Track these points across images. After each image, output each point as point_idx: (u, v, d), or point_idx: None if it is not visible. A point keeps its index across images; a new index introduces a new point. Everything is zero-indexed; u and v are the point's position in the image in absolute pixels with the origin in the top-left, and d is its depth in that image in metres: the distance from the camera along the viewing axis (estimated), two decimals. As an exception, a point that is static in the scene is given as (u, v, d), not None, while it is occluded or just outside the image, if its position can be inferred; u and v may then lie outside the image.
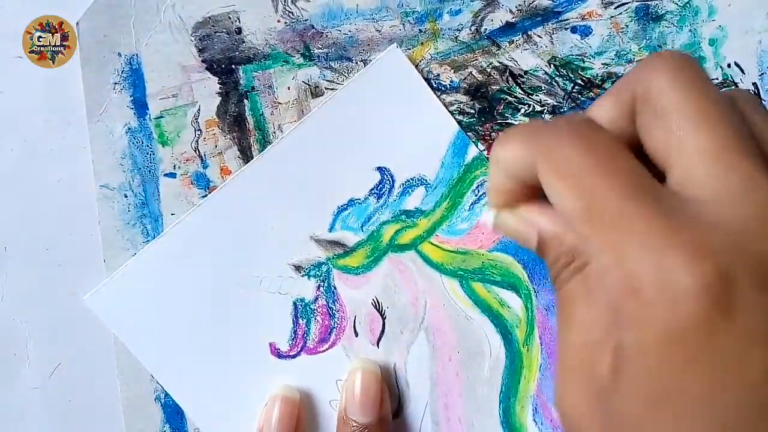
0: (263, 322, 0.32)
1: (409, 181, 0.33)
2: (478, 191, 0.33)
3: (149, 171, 0.33)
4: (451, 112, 0.33)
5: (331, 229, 0.33)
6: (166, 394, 0.33)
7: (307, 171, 0.32)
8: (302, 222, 0.32)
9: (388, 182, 0.33)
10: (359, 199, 0.33)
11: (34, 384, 0.33)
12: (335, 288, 0.33)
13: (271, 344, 0.33)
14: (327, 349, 0.33)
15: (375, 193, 0.33)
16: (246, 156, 0.33)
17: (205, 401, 0.32)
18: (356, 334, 0.33)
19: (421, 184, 0.33)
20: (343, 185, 0.32)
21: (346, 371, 0.32)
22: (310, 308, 0.33)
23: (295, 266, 0.33)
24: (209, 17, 0.33)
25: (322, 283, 0.33)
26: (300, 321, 0.33)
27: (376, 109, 0.32)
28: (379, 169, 0.33)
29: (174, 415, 0.33)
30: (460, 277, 0.33)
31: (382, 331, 0.33)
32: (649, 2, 0.33)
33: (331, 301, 0.33)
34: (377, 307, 0.33)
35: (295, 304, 0.33)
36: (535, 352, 0.33)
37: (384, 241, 0.33)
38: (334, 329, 0.33)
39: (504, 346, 0.33)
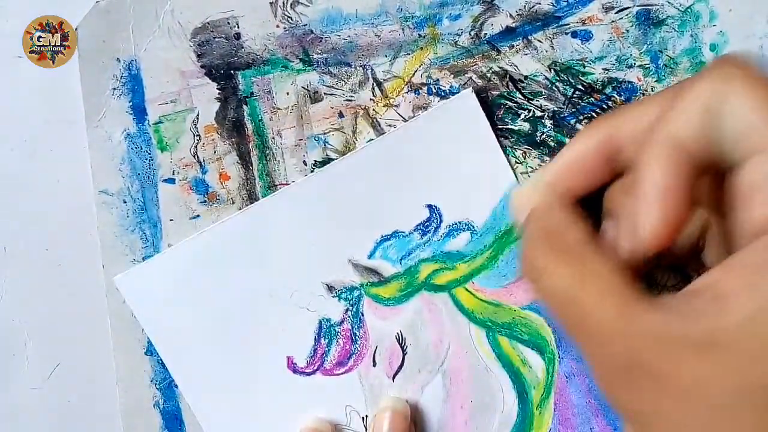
0: (286, 334, 0.32)
1: (456, 224, 0.32)
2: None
3: (148, 177, 0.32)
4: (451, 118, 0.33)
5: (370, 256, 0.32)
6: (165, 400, 0.32)
7: (358, 194, 0.32)
8: (343, 244, 0.32)
9: (435, 221, 0.32)
10: (404, 233, 0.32)
11: (33, 384, 0.33)
12: (363, 315, 0.33)
13: (288, 358, 0.32)
14: (343, 374, 0.33)
15: (420, 229, 0.32)
16: (245, 161, 0.33)
17: (212, 400, 0.32)
18: (374, 364, 0.33)
19: (468, 229, 0.32)
20: (390, 215, 0.32)
21: (375, 405, 0.32)
22: (334, 330, 0.33)
23: (328, 285, 0.32)
24: (208, 22, 0.32)
25: (350, 308, 0.33)
26: (322, 340, 0.32)
27: (438, 148, 0.32)
28: (429, 206, 0.32)
29: (173, 421, 0.33)
30: (488, 328, 0.32)
31: (401, 366, 0.32)
32: (649, 7, 0.33)
33: (356, 327, 0.33)
34: (400, 341, 0.33)
35: (320, 322, 0.32)
36: (547, 417, 0.32)
37: (420, 278, 0.32)
38: (354, 355, 0.33)
39: (518, 404, 0.32)
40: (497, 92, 0.33)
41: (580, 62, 0.33)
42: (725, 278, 0.20)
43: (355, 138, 0.33)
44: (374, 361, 0.33)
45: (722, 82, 0.21)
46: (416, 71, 0.33)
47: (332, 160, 0.33)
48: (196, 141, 0.33)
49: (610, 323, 0.20)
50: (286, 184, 0.33)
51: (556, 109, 0.33)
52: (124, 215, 0.32)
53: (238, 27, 0.33)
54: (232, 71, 0.33)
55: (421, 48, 0.33)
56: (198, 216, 0.33)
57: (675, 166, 0.22)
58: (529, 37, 0.33)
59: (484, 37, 0.33)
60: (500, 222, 0.32)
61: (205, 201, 0.33)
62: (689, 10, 0.33)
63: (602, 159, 0.26)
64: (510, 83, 0.33)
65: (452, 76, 0.33)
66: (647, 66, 0.33)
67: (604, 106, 0.33)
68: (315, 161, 0.33)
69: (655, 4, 0.33)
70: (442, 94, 0.33)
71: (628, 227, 0.25)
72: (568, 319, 0.22)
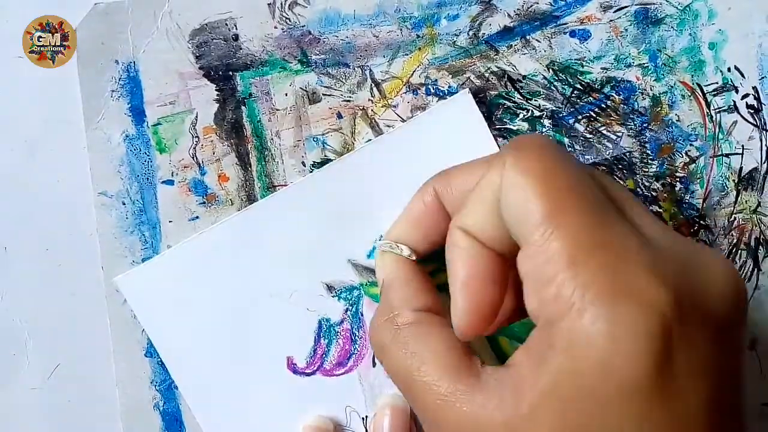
0: (286, 334, 0.32)
1: None
2: None
3: (147, 178, 0.33)
4: (449, 118, 0.33)
5: (369, 256, 0.32)
6: (165, 402, 0.33)
7: (357, 194, 0.32)
8: (343, 244, 0.32)
9: None
10: None
11: (33, 384, 0.33)
12: (362, 315, 0.33)
13: (288, 358, 0.32)
14: (342, 374, 0.32)
15: None
16: (243, 162, 0.33)
17: (212, 401, 0.32)
18: (374, 365, 0.33)
19: None
20: (390, 215, 0.32)
21: (374, 405, 0.32)
22: (334, 330, 0.33)
23: (327, 285, 0.32)
24: (206, 24, 0.33)
25: (350, 307, 0.33)
26: (321, 340, 0.32)
27: (436, 148, 0.32)
28: None
29: (173, 422, 0.33)
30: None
31: None
32: (648, 6, 0.33)
33: (355, 327, 0.33)
34: None
35: (320, 322, 0.32)
36: None
37: None
38: (353, 355, 0.33)
39: None
40: (495, 92, 0.33)
41: (579, 62, 0.33)
42: (522, 365, 0.22)
43: (354, 139, 0.33)
44: (374, 361, 0.33)
45: (499, 172, 0.22)
46: (414, 72, 0.33)
47: (331, 160, 0.33)
48: (194, 142, 0.33)
49: (440, 410, 0.23)
50: (285, 185, 0.33)
51: (554, 108, 0.33)
52: (123, 217, 0.32)
53: (236, 28, 0.33)
54: (230, 72, 0.33)
55: (420, 48, 0.33)
56: (197, 217, 0.33)
57: (471, 258, 0.24)
58: (528, 37, 0.33)
59: (482, 37, 0.33)
60: None
61: (204, 202, 0.33)
62: (688, 8, 0.33)
63: (434, 215, 0.28)
64: (508, 83, 0.33)
65: (450, 76, 0.33)
66: (646, 65, 0.33)
67: (602, 105, 0.33)
68: (314, 162, 0.33)
69: (654, 3, 0.33)
70: (441, 94, 0.33)
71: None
72: (408, 397, 0.25)
